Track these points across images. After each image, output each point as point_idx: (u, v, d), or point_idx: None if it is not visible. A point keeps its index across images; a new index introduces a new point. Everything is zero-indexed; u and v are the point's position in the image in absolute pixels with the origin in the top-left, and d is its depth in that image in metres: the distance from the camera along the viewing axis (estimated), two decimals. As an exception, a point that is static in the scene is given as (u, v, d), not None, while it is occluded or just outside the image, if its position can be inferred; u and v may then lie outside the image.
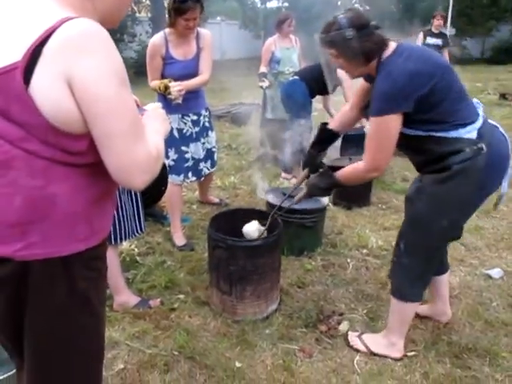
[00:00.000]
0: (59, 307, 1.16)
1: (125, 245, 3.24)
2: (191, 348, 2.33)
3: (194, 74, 3.22)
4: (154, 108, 1.41)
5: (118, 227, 2.41)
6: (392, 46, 1.98)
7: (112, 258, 2.52)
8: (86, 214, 1.16)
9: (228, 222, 2.76)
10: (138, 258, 3.21)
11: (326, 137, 2.48)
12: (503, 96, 9.88)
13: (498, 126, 2.10)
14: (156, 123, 1.32)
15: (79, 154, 1.10)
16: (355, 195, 4.13)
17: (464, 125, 1.93)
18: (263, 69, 4.98)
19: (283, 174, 4.93)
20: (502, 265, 3.18)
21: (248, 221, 2.74)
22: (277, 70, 5.04)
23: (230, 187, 4.76)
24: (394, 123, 1.92)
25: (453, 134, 1.93)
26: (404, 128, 1.97)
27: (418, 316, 2.57)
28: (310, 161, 2.51)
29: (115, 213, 2.34)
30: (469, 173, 1.94)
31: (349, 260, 3.24)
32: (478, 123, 1.96)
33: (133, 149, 1.08)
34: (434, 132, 1.95)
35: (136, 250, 3.30)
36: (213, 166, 3.65)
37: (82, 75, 1.00)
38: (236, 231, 2.63)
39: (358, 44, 1.92)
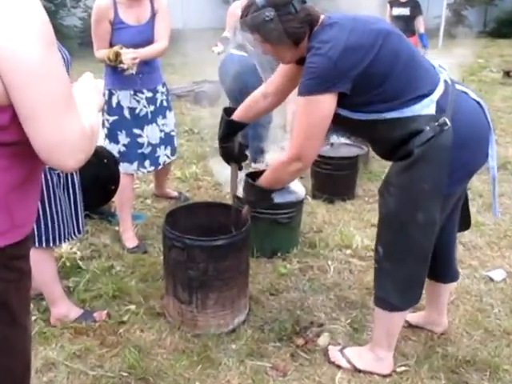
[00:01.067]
0: None
1: (64, 247, 3.17)
2: (143, 368, 2.30)
3: (149, 42, 3.18)
4: (86, 77, 1.38)
5: (50, 226, 2.35)
6: (321, 19, 1.97)
7: (47, 262, 2.47)
8: (5, 203, 1.12)
9: (187, 218, 2.74)
10: (80, 263, 3.16)
11: (232, 129, 2.45)
12: (507, 74, 10.05)
13: (469, 91, 2.08)
14: (88, 94, 1.29)
15: None
16: (338, 187, 4.15)
17: (418, 98, 1.92)
18: (226, 34, 4.91)
19: (253, 165, 4.91)
20: (505, 265, 3.24)
21: (211, 217, 2.72)
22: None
23: (190, 178, 4.73)
24: (326, 105, 1.91)
25: (406, 112, 1.92)
26: (348, 111, 1.97)
27: (409, 326, 2.60)
28: (229, 155, 2.53)
29: (48, 210, 2.29)
30: (433, 155, 1.92)
31: (330, 262, 3.25)
32: (437, 93, 1.94)
33: (63, 123, 1.05)
34: (385, 113, 1.93)
35: (78, 253, 3.24)
36: (173, 153, 3.62)
37: None
38: (196, 229, 2.60)
39: (281, 25, 1.91)
